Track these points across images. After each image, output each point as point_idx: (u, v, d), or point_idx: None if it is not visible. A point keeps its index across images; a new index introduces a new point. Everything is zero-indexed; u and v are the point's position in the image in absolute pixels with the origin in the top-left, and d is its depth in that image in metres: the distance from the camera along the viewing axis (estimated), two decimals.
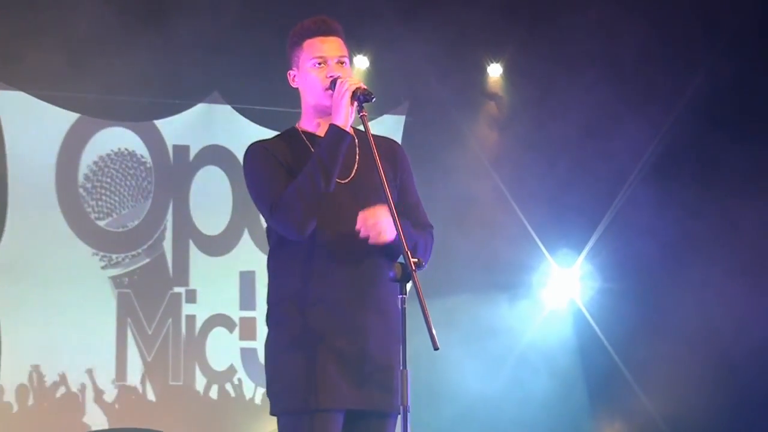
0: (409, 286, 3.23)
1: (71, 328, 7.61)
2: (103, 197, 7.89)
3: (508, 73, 8.58)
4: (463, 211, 8.12)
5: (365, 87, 3.42)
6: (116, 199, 7.92)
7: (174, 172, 8.09)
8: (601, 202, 8.38)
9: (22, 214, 7.64)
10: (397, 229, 3.23)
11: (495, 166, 8.46)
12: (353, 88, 3.40)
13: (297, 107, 3.66)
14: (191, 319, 7.95)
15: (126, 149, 7.98)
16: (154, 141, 8.03)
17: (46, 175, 7.73)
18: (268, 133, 3.73)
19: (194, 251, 8.03)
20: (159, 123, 8.04)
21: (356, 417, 3.47)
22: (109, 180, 7.91)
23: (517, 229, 8.35)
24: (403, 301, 3.23)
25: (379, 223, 3.34)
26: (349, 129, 3.44)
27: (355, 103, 3.40)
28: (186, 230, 8.04)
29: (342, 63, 3.55)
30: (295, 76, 3.61)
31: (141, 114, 7.95)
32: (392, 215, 3.24)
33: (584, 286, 8.60)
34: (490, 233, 8.18)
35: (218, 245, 8.09)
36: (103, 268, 7.82)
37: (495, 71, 8.60)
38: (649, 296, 8.17)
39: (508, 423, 8.13)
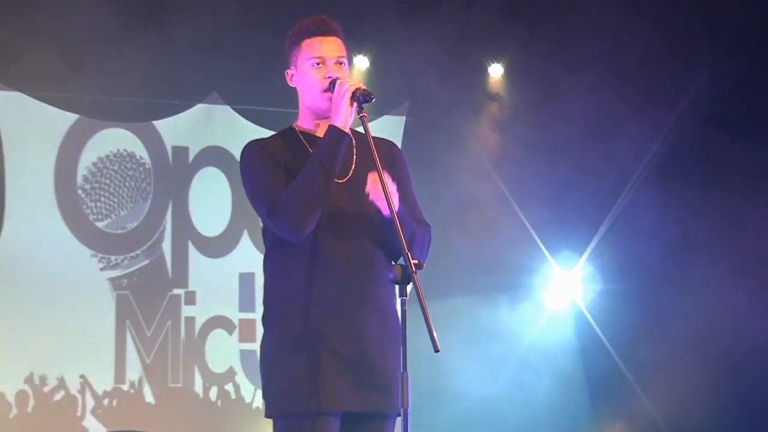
0: (409, 287, 3.21)
1: (70, 330, 7.60)
2: (102, 198, 7.88)
3: (509, 73, 8.57)
4: (464, 213, 8.12)
5: (365, 88, 3.41)
6: (115, 200, 7.91)
7: (173, 173, 8.09)
8: (603, 203, 8.37)
9: (21, 216, 7.63)
10: (396, 228, 3.20)
11: (496, 167, 8.45)
12: (353, 88, 3.39)
13: (296, 108, 3.64)
14: (190, 320, 7.95)
15: (125, 150, 7.97)
16: (153, 142, 8.02)
17: (44, 176, 7.72)
18: (268, 134, 3.70)
19: (193, 253, 8.03)
20: (158, 124, 8.03)
21: (354, 419, 3.44)
22: (108, 181, 7.91)
23: (518, 231, 8.34)
24: (404, 303, 3.21)
25: (387, 186, 3.31)
26: (348, 130, 3.42)
27: (355, 104, 3.39)
28: (185, 232, 8.04)
29: (341, 63, 3.54)
30: (293, 75, 3.59)
31: (140, 115, 7.95)
32: (392, 214, 3.22)
33: (586, 288, 8.60)
34: (491, 234, 8.17)
35: (217, 247, 8.08)
36: (102, 269, 7.81)
37: (496, 71, 8.60)
38: (651, 298, 8.17)
39: (509, 425, 8.14)
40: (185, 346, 7.92)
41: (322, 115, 3.52)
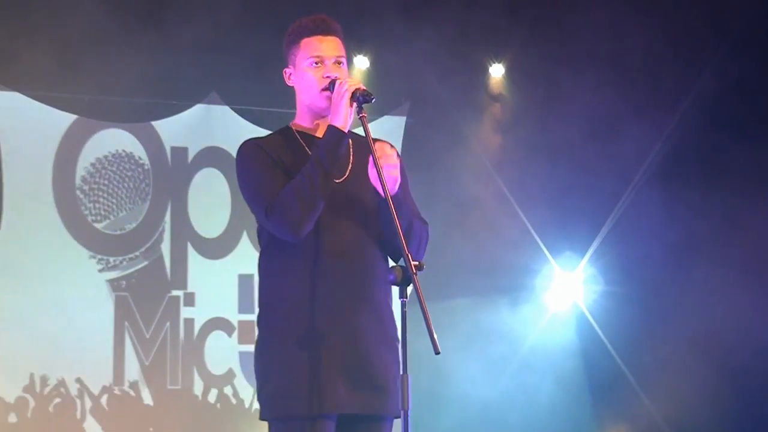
0: (409, 289, 3.19)
1: (68, 332, 7.58)
2: (101, 199, 7.87)
3: (510, 73, 8.56)
4: (465, 214, 8.11)
5: (365, 88, 3.40)
6: (114, 201, 7.90)
7: (172, 174, 8.08)
8: (605, 204, 8.36)
9: (19, 217, 7.61)
10: (395, 227, 3.17)
11: (497, 167, 8.44)
12: (353, 88, 3.37)
13: (295, 107, 3.61)
14: (189, 322, 7.93)
15: (124, 151, 7.95)
16: (152, 142, 8.02)
17: (42, 177, 7.71)
18: (266, 134, 3.67)
19: (192, 254, 8.01)
20: (157, 124, 8.02)
21: (350, 421, 3.42)
22: (106, 182, 7.90)
23: (519, 232, 8.33)
24: (404, 305, 3.19)
25: (395, 156, 3.31)
26: (348, 130, 3.40)
27: (355, 104, 3.37)
28: (184, 233, 8.02)
29: (339, 63, 3.52)
30: (291, 74, 3.58)
31: (139, 115, 7.94)
32: (391, 213, 3.19)
33: (587, 290, 8.59)
34: (492, 236, 8.16)
35: (217, 248, 8.07)
36: (100, 271, 7.79)
37: (497, 71, 8.58)
38: (653, 299, 8.17)
39: (511, 427, 8.14)
40: (184, 347, 7.91)
41: (320, 114, 3.50)
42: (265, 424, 3.47)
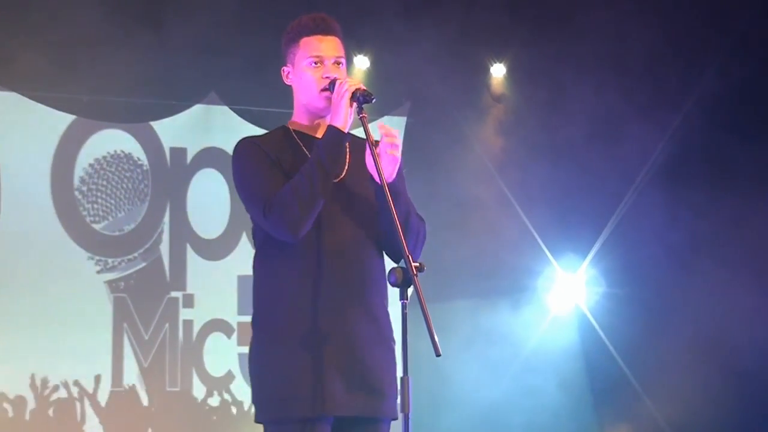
0: (410, 290, 3.17)
1: (66, 334, 7.56)
2: (99, 200, 7.85)
3: (511, 73, 8.55)
4: (466, 215, 8.10)
5: (365, 88, 3.39)
6: (112, 202, 7.89)
7: (171, 174, 8.06)
8: (607, 205, 8.36)
9: (17, 218, 7.58)
10: (394, 226, 3.15)
11: (498, 168, 8.43)
12: (353, 89, 3.36)
13: (292, 107, 3.59)
14: (188, 324, 7.92)
15: (122, 151, 7.94)
16: (151, 143, 8.00)
17: (40, 177, 7.68)
18: None
19: (191, 255, 8.00)
20: (155, 124, 8.00)
21: (347, 423, 3.39)
22: (105, 183, 7.89)
23: (520, 233, 8.32)
24: (405, 306, 3.17)
25: (398, 137, 3.33)
26: (347, 130, 3.39)
27: (355, 105, 3.36)
28: (183, 234, 8.01)
29: (339, 63, 3.51)
30: (289, 73, 3.56)
31: (137, 115, 7.93)
32: (391, 213, 3.17)
33: (589, 291, 8.59)
34: (493, 237, 8.16)
35: (216, 249, 8.05)
36: (98, 272, 7.77)
37: (498, 71, 8.57)
38: (656, 301, 8.17)
39: (513, 429, 8.16)
40: (183, 349, 7.89)
41: (318, 114, 3.49)
42: (261, 428, 3.45)
